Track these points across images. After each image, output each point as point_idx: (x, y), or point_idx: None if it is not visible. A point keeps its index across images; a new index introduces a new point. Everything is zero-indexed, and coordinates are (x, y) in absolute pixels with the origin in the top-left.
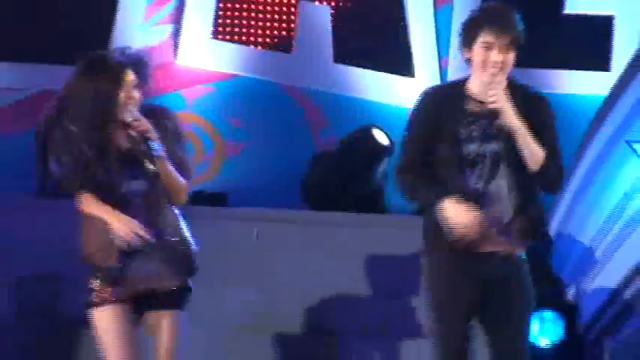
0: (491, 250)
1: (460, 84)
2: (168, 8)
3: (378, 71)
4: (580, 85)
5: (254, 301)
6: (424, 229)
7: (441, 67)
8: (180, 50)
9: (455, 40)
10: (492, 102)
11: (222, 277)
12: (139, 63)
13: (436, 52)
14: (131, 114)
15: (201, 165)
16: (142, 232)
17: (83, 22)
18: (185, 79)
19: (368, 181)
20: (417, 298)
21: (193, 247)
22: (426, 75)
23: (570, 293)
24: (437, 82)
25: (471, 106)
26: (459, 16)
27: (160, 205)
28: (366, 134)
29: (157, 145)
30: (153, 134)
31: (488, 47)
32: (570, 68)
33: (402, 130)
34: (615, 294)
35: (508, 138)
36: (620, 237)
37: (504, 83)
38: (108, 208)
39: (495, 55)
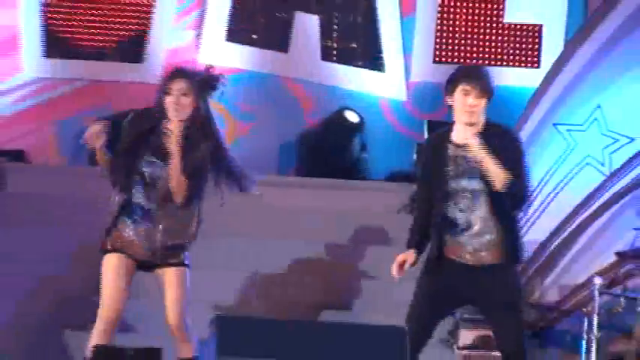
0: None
1: (446, 132)
2: (192, 17)
3: (356, 67)
4: (516, 79)
5: (255, 250)
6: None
7: (405, 64)
8: (201, 50)
9: (416, 42)
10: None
11: (230, 228)
12: (197, 75)
13: (402, 53)
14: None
15: None
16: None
17: (127, 26)
18: None
19: (347, 152)
20: (389, 248)
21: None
22: (393, 70)
23: None
24: (401, 76)
25: (452, 151)
26: (420, 24)
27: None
28: (339, 114)
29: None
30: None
31: (466, 93)
32: (508, 65)
33: (373, 113)
34: (539, 250)
35: (484, 176)
36: (544, 203)
37: (481, 123)
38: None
39: (471, 100)
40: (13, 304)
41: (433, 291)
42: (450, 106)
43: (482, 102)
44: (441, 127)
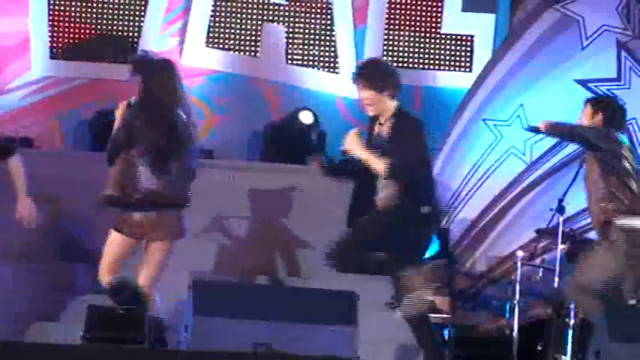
0: None
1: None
2: (176, 26)
3: (315, 69)
4: (451, 81)
5: (224, 225)
6: None
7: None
8: (184, 54)
9: (367, 48)
10: (345, 150)
11: (207, 207)
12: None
13: (354, 57)
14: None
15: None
16: None
17: (122, 33)
18: (187, 73)
19: (305, 142)
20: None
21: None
22: (346, 72)
23: (443, 222)
24: None
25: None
26: (370, 33)
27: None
28: (295, 115)
29: None
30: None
31: (358, 88)
32: (445, 69)
33: (330, 109)
34: (470, 227)
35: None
36: (475, 186)
37: (388, 112)
38: None
39: (360, 93)
40: None
41: None
42: None
43: (369, 93)
44: None
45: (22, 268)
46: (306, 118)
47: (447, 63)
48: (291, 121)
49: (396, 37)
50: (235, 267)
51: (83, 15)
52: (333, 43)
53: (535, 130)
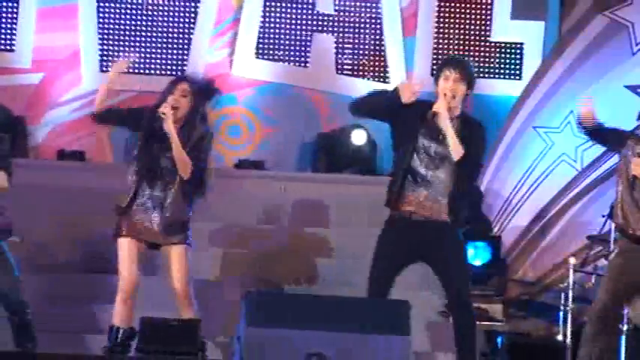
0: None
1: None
2: (226, 38)
3: (365, 79)
4: (501, 89)
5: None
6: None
7: (407, 77)
8: (233, 65)
9: (417, 58)
10: (435, 110)
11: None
12: (198, 82)
13: (404, 67)
14: (166, 109)
15: (247, 142)
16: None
17: (171, 45)
18: (237, 84)
19: (357, 155)
20: None
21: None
22: (396, 82)
23: (495, 229)
24: None
25: (429, 118)
26: (420, 43)
27: (172, 179)
28: (348, 133)
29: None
30: (168, 116)
31: (446, 78)
32: (494, 77)
33: (378, 124)
34: (522, 234)
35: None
36: (526, 194)
37: (456, 112)
38: None
39: (450, 84)
40: None
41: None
42: (436, 92)
43: (460, 87)
44: None
45: (61, 279)
46: (358, 138)
47: (497, 71)
48: (344, 140)
49: (446, 46)
50: (282, 277)
51: (133, 27)
52: (382, 53)
53: None
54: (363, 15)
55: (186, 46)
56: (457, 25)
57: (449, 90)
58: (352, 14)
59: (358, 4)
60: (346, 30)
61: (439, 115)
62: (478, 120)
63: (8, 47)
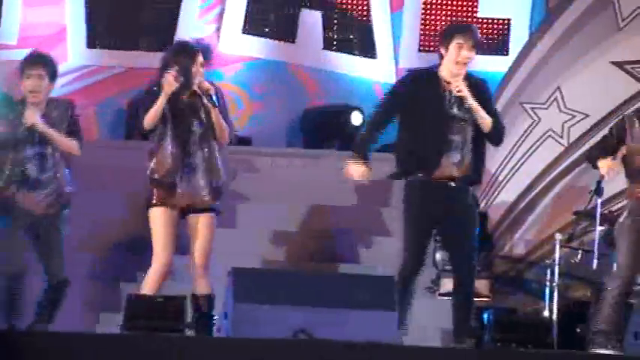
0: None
1: (433, 71)
2: (214, 13)
3: (352, 55)
4: (488, 65)
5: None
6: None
7: (394, 52)
8: (220, 41)
9: (404, 34)
10: (458, 91)
11: (246, 192)
12: (205, 49)
13: (391, 42)
14: (198, 80)
15: (235, 117)
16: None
17: (158, 21)
18: (224, 60)
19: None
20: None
21: (223, 177)
22: (384, 58)
23: (482, 205)
24: (392, 63)
25: (443, 86)
26: (407, 18)
27: (209, 143)
28: (346, 114)
29: (215, 99)
30: (212, 91)
31: (460, 47)
32: (481, 53)
33: (367, 94)
34: (508, 210)
35: (468, 110)
36: (512, 169)
37: (464, 73)
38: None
39: (465, 52)
40: None
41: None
42: (441, 56)
43: (473, 54)
44: None
45: (94, 258)
46: (356, 119)
47: (484, 46)
48: (339, 120)
49: (433, 22)
50: (276, 254)
51: (119, 3)
52: (370, 29)
53: None
54: None
55: (173, 21)
56: (444, 1)
57: (465, 58)
58: None
59: None
60: (333, 5)
61: (464, 98)
62: (479, 77)
63: None
